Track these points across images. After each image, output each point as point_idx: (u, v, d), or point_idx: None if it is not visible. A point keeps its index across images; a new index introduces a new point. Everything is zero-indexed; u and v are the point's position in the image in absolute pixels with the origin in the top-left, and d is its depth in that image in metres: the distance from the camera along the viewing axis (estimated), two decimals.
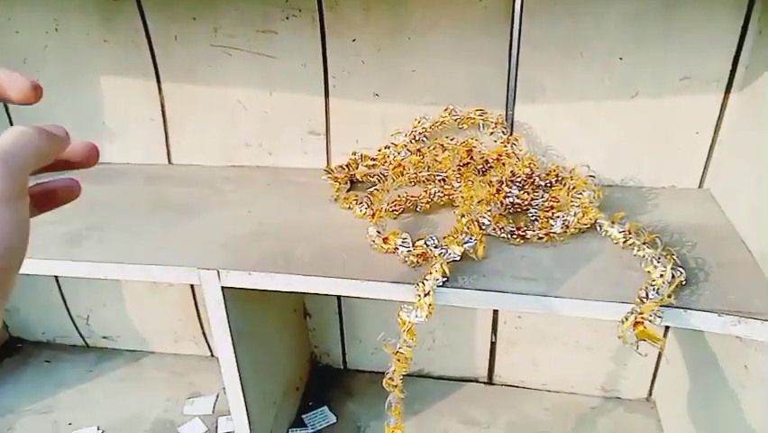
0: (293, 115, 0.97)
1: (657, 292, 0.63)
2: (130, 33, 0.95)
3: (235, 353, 0.80)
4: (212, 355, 1.29)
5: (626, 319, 0.62)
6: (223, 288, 0.74)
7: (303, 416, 1.11)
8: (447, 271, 0.69)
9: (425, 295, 0.67)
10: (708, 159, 0.87)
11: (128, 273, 0.76)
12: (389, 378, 0.71)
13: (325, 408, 1.13)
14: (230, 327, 0.78)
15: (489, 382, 1.20)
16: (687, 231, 0.78)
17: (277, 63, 0.93)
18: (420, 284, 0.68)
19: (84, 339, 1.34)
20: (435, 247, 0.71)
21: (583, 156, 0.88)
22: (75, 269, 0.77)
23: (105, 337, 1.32)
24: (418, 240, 0.72)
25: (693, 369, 0.95)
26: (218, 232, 0.82)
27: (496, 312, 1.11)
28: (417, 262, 0.72)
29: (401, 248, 0.72)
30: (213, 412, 1.13)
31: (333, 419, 1.11)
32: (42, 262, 0.78)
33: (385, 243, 0.74)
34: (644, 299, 0.63)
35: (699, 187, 0.90)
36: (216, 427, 1.10)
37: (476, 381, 1.20)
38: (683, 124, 0.86)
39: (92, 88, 1.01)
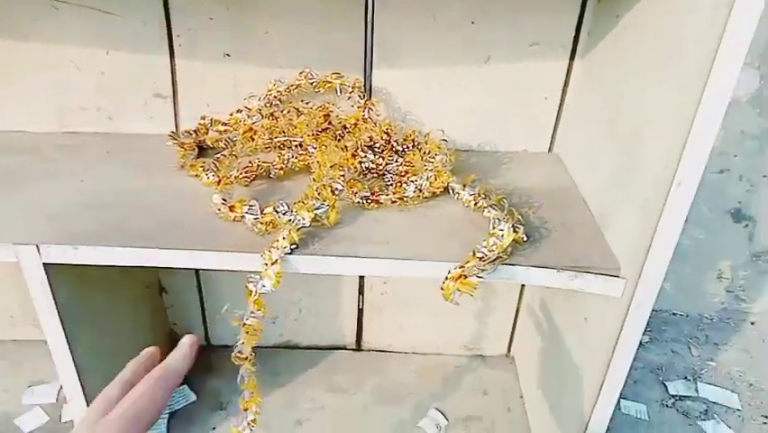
0: (135, 76, 0.88)
1: (488, 250, 0.64)
2: None
3: (68, 338, 0.73)
4: None
5: (447, 276, 0.63)
6: (45, 265, 0.66)
7: None
8: (296, 239, 0.66)
9: (272, 264, 0.64)
10: (556, 123, 0.91)
11: None
12: (238, 351, 0.67)
13: (185, 387, 1.07)
14: (58, 310, 0.70)
15: (358, 348, 1.20)
16: (535, 193, 0.81)
17: (114, 20, 0.84)
18: (266, 252, 0.64)
19: None
20: (284, 214, 0.68)
21: (441, 122, 0.88)
22: None
23: None
24: (267, 207, 0.69)
25: (545, 324, 1.01)
26: (43, 204, 0.73)
27: (362, 279, 1.10)
28: (266, 230, 0.69)
29: (248, 216, 0.68)
30: (57, 400, 1.04)
31: (194, 397, 1.06)
32: None
33: (231, 211, 0.70)
34: (472, 257, 0.64)
35: (549, 151, 0.93)
36: (60, 416, 1.01)
37: (344, 348, 1.20)
38: (534, 90, 0.88)
39: None
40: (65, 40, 0.85)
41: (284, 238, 0.65)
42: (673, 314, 1.40)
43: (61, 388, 1.06)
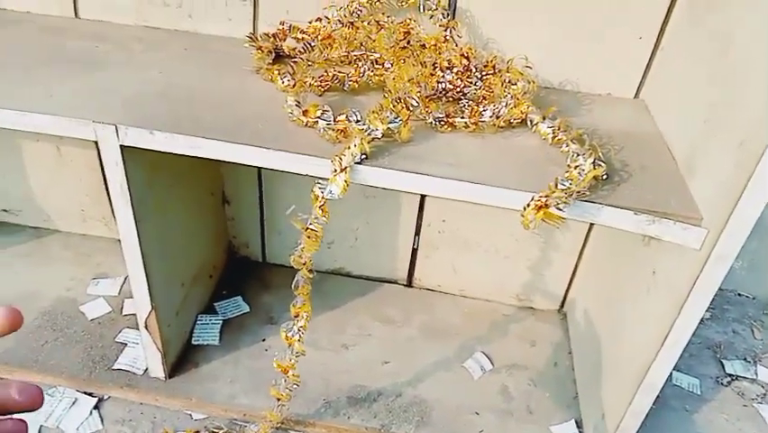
0: None
1: (570, 183, 0.61)
2: None
3: (137, 224, 0.75)
4: None
5: (529, 205, 0.60)
6: (122, 147, 0.67)
7: (215, 303, 1.08)
8: (367, 149, 0.64)
9: (342, 171, 0.63)
10: (647, 68, 0.85)
11: (12, 121, 0.67)
12: (298, 255, 0.68)
13: (239, 297, 1.10)
14: (131, 194, 0.72)
15: (409, 284, 1.20)
16: (616, 135, 0.76)
17: None
18: (336, 159, 0.63)
19: None
20: (357, 122, 0.66)
21: (523, 53, 0.84)
22: None
23: (4, 210, 1.22)
24: (340, 114, 0.67)
25: (605, 280, 0.97)
26: (121, 89, 0.74)
27: (420, 214, 1.09)
28: (337, 138, 0.68)
29: (321, 121, 0.67)
30: (119, 294, 1.08)
31: (247, 308, 1.08)
32: None
33: (304, 115, 0.69)
34: (554, 188, 0.61)
35: (636, 97, 0.88)
36: (122, 308, 1.05)
37: (396, 282, 1.20)
38: (629, 28, 0.82)
39: None
40: None
41: (355, 146, 0.64)
42: (739, 294, 1.32)
43: (124, 283, 1.10)
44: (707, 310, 0.67)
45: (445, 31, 0.81)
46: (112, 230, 1.21)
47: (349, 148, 0.64)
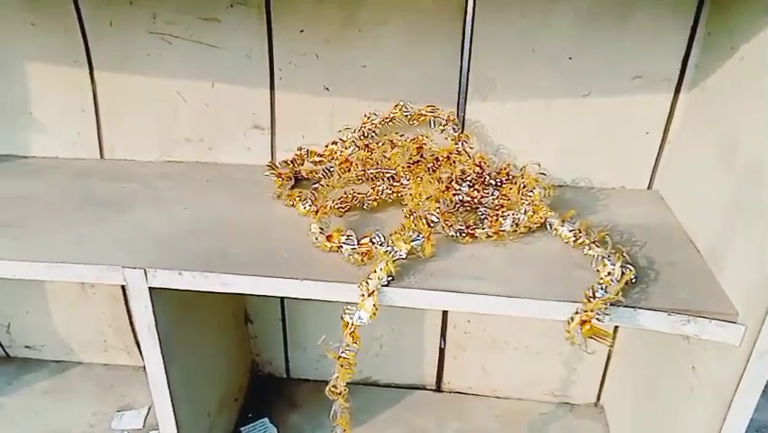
0: (236, 108, 0.91)
1: (605, 290, 0.61)
2: (61, 17, 0.88)
3: (165, 362, 0.74)
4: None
5: (573, 319, 0.60)
6: (151, 289, 0.68)
7: (241, 428, 1.05)
8: (393, 270, 0.65)
9: (369, 295, 0.63)
10: (657, 160, 0.87)
11: (41, 273, 0.69)
12: (333, 385, 0.67)
13: (266, 419, 1.07)
14: (158, 334, 0.72)
15: (438, 389, 1.17)
16: (636, 231, 0.77)
17: (220, 53, 0.88)
18: (363, 283, 0.64)
19: (4, 349, 1.23)
20: (381, 245, 0.67)
21: (534, 156, 0.86)
22: None
23: (27, 347, 1.22)
24: (363, 237, 0.68)
25: (641, 372, 0.95)
26: (149, 229, 0.76)
27: (445, 316, 1.08)
28: (362, 260, 0.68)
29: (345, 246, 0.68)
30: (143, 427, 1.06)
31: (274, 430, 1.05)
32: None
33: (328, 240, 0.70)
34: (592, 298, 0.61)
35: (649, 188, 0.89)
36: None
37: (424, 388, 1.17)
38: (634, 124, 0.85)
39: (18, 76, 0.93)
40: (174, 73, 0.90)
41: (381, 269, 0.64)
42: None
43: (149, 414, 1.08)
44: None
45: (457, 143, 0.83)
46: (134, 358, 1.20)
47: (375, 271, 0.64)
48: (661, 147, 0.86)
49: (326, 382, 0.68)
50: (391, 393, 1.15)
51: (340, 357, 0.64)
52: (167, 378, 0.75)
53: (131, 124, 0.95)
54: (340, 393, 0.66)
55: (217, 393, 0.98)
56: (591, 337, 0.58)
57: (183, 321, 0.80)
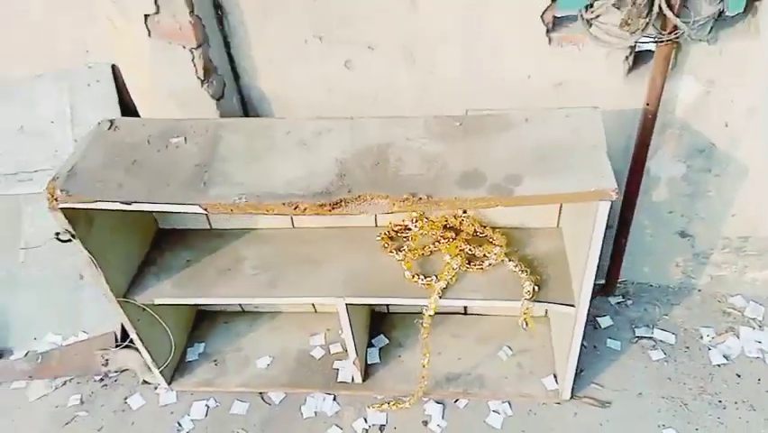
0: None
1: (528, 295, 1.60)
2: None
3: None
4: None
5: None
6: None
7: None
8: (440, 293, 1.66)
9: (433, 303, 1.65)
10: (560, 206, 1.82)
11: None
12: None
13: None
14: None
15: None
16: (541, 256, 1.75)
17: None
18: (431, 299, 1.65)
19: None
20: (435, 282, 1.68)
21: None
22: None
23: None
24: (427, 277, 1.68)
25: None
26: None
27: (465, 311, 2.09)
28: (429, 286, 1.68)
29: (419, 278, 1.68)
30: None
31: None
32: None
33: (413, 278, 1.69)
34: (526, 301, 1.60)
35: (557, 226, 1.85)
36: None
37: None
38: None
39: None
40: None
41: (435, 295, 1.65)
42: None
43: None
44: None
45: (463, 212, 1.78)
46: None
47: (431, 297, 1.64)
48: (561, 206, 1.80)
49: None
50: None
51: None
52: None
53: None
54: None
55: None
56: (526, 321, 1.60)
57: None
